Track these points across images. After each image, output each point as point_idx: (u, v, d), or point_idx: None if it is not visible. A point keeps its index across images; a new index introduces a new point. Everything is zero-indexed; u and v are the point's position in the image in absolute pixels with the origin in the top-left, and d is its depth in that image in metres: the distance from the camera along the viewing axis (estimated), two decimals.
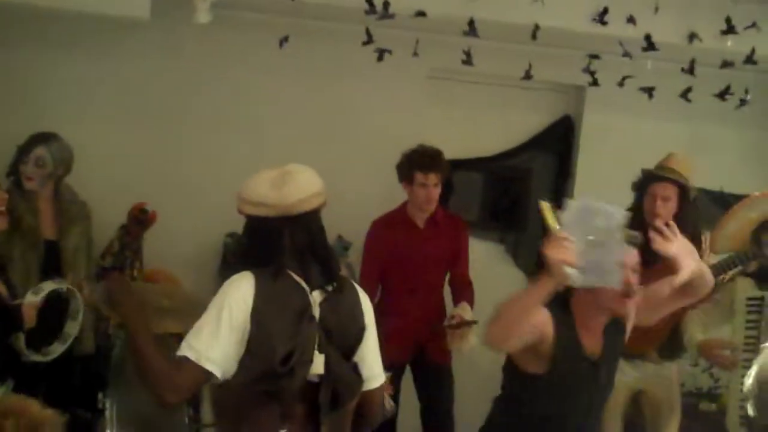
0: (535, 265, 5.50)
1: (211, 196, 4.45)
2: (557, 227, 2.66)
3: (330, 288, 2.63)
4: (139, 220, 4.29)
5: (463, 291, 4.65)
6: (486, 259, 5.23)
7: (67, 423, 2.93)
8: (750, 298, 4.09)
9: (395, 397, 4.34)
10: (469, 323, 4.41)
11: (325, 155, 4.64)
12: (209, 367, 2.44)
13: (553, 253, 2.61)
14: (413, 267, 4.56)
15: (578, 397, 3.04)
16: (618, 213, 2.74)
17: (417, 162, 4.45)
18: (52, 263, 4.08)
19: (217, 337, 2.46)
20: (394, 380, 4.26)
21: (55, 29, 4.69)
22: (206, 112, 4.97)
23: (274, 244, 2.59)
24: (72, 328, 3.51)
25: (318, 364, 2.56)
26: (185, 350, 2.45)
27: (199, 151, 4.93)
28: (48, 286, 3.32)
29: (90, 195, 4.38)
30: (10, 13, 4.48)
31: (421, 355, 4.65)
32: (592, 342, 3.03)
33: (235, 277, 2.57)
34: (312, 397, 2.57)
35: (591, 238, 2.67)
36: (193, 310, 2.73)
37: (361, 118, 5.20)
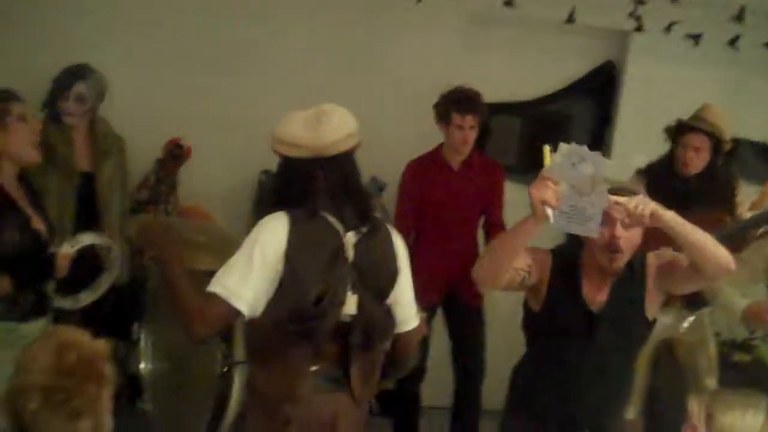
0: None
1: (247, 133, 4.41)
2: (545, 168, 2.63)
3: (364, 229, 2.62)
4: (175, 154, 4.32)
5: (497, 234, 4.62)
6: (523, 204, 5.09)
7: None
8: None
9: (427, 339, 4.36)
10: None
11: (362, 95, 4.58)
12: (238, 304, 2.46)
13: (535, 192, 2.58)
14: (447, 209, 4.53)
15: (572, 345, 3.02)
16: (605, 163, 2.69)
17: (454, 103, 4.39)
18: (87, 196, 4.10)
19: (248, 276, 2.46)
20: (427, 322, 4.28)
21: None
22: (242, 47, 4.91)
23: (308, 185, 2.58)
24: (106, 280, 3.53)
25: (350, 305, 2.57)
26: (215, 286, 2.47)
27: (234, 87, 4.89)
28: (86, 239, 3.34)
29: (125, 129, 4.38)
30: None
31: (453, 297, 4.65)
32: (595, 294, 3.01)
33: (269, 216, 2.57)
34: (344, 338, 2.58)
35: (575, 183, 2.64)
36: (228, 247, 2.73)
37: (400, 59, 5.13)
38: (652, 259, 3.06)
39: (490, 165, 4.72)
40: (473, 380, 4.75)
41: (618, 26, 5.26)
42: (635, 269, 3.03)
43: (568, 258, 3.05)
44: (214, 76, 4.85)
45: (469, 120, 4.39)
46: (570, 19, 4.91)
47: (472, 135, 4.44)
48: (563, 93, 5.52)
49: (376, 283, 2.64)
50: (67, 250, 3.23)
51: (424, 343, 4.32)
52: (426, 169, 4.57)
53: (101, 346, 2.10)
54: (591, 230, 2.74)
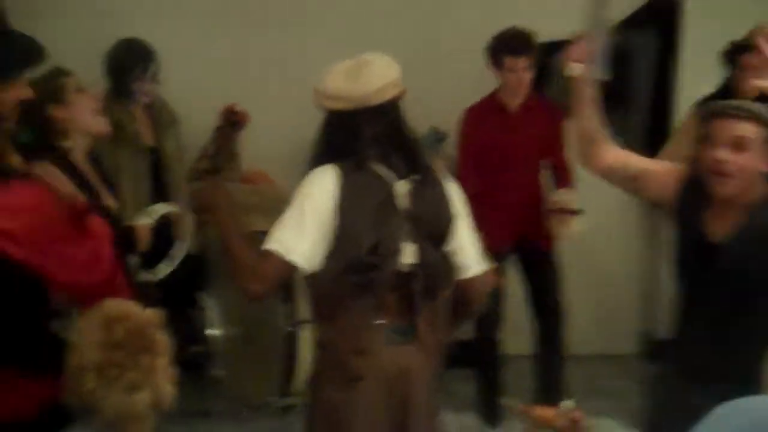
0: (641, 145, 5.35)
1: (305, 93, 4.42)
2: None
3: (415, 177, 2.59)
4: (231, 121, 4.33)
5: (563, 176, 4.56)
6: None
7: (172, 320, 2.95)
8: None
9: (500, 287, 4.31)
10: (572, 212, 4.31)
11: (415, 45, 4.54)
12: (293, 258, 2.45)
13: (564, 55, 2.79)
14: (508, 153, 4.45)
15: (688, 281, 2.87)
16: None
17: (506, 45, 4.30)
18: (154, 172, 4.16)
19: (302, 229, 2.46)
20: (499, 270, 4.22)
21: None
22: (294, 6, 4.90)
23: (355, 137, 2.55)
24: (180, 250, 3.57)
25: (409, 255, 2.54)
26: (270, 242, 2.48)
27: (288, 46, 4.90)
28: (161, 209, 3.37)
29: (180, 99, 4.42)
30: None
31: (524, 243, 4.60)
32: (717, 223, 2.76)
33: (318, 170, 2.56)
34: (406, 288, 2.56)
35: (593, 30, 2.89)
36: (281, 206, 2.74)
37: (451, 4, 5.06)
38: None
39: (549, 106, 4.61)
40: (553, 324, 4.68)
41: None
42: None
43: (698, 179, 2.80)
44: (267, 38, 4.86)
45: (522, 61, 4.29)
46: None
47: (527, 77, 4.34)
48: (623, 26, 5.30)
49: (433, 230, 2.60)
50: (145, 221, 3.27)
51: (498, 291, 4.28)
52: (484, 115, 4.49)
53: (151, 315, 2.10)
54: (597, 73, 2.89)
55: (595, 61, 2.84)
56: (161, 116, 4.29)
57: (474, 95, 4.61)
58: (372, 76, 2.54)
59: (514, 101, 4.45)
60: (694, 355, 2.88)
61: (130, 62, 4.13)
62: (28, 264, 2.33)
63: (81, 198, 2.76)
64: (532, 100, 4.48)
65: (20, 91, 2.44)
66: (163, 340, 2.08)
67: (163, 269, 3.51)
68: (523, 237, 4.58)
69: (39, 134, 3.09)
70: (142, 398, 2.00)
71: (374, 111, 2.54)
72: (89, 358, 1.98)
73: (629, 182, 2.94)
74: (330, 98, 2.55)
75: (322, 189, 2.49)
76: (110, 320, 2.02)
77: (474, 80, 4.71)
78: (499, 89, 4.47)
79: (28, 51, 2.48)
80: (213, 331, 3.45)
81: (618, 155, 2.98)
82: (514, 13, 4.74)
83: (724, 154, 2.67)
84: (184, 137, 4.44)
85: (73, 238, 2.49)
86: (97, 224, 2.64)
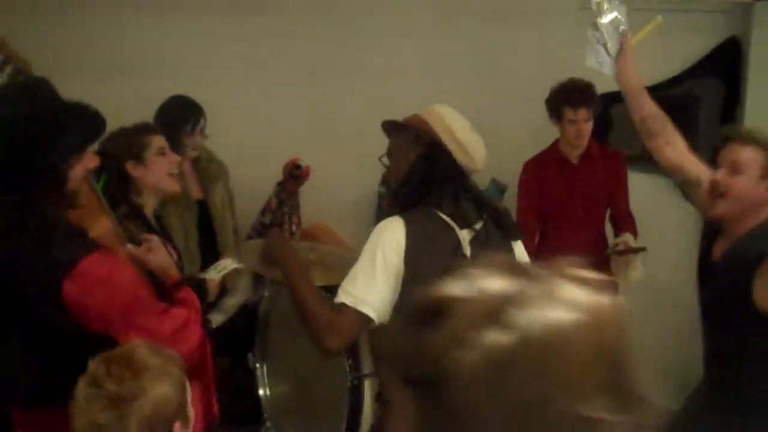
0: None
1: (362, 146, 4.45)
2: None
3: (478, 226, 2.60)
4: (294, 175, 4.37)
5: (625, 224, 4.49)
6: (652, 193, 4.98)
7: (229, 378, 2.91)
8: None
9: None
10: (636, 250, 4.23)
11: (475, 98, 4.52)
12: (366, 311, 2.44)
13: None
14: (570, 205, 4.42)
15: (699, 294, 2.92)
16: (624, 8, 3.08)
17: (565, 97, 4.28)
18: (203, 223, 4.19)
19: (373, 282, 2.45)
20: None
21: None
22: (348, 60, 4.96)
23: (434, 185, 2.59)
24: (233, 301, 3.58)
25: None
26: (342, 296, 2.47)
27: (345, 100, 4.93)
28: (229, 265, 3.40)
29: (238, 155, 4.48)
30: None
31: None
32: (720, 245, 2.84)
33: (385, 222, 2.57)
34: None
35: (607, 28, 3.06)
36: (338, 262, 2.71)
37: (510, 57, 5.06)
38: None
39: (611, 156, 4.58)
40: None
41: None
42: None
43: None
44: (322, 91, 4.92)
45: (582, 113, 4.26)
46: None
47: (587, 128, 4.31)
48: (687, 74, 5.29)
49: None
50: (215, 276, 3.31)
51: None
52: (545, 167, 4.48)
53: (153, 362, 1.99)
54: (608, 67, 3.10)
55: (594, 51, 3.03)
56: (209, 169, 4.32)
57: (534, 147, 4.60)
58: (481, 143, 2.63)
59: (575, 152, 4.42)
60: (705, 371, 2.97)
61: (181, 118, 4.15)
62: (104, 334, 2.34)
63: (175, 271, 2.76)
64: (593, 150, 4.44)
65: (88, 161, 2.49)
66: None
67: (216, 320, 3.53)
68: None
69: (112, 185, 3.13)
70: None
71: (467, 172, 2.62)
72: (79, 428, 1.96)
73: (684, 186, 2.97)
74: (459, 144, 2.58)
75: (391, 240, 2.49)
76: (118, 400, 1.94)
77: (534, 132, 4.70)
78: (560, 141, 4.45)
79: (94, 124, 2.52)
80: (263, 391, 3.41)
81: (681, 157, 2.99)
82: (574, 64, 4.72)
83: (719, 176, 2.73)
84: (238, 189, 4.48)
85: (157, 310, 2.48)
86: (189, 296, 2.65)
